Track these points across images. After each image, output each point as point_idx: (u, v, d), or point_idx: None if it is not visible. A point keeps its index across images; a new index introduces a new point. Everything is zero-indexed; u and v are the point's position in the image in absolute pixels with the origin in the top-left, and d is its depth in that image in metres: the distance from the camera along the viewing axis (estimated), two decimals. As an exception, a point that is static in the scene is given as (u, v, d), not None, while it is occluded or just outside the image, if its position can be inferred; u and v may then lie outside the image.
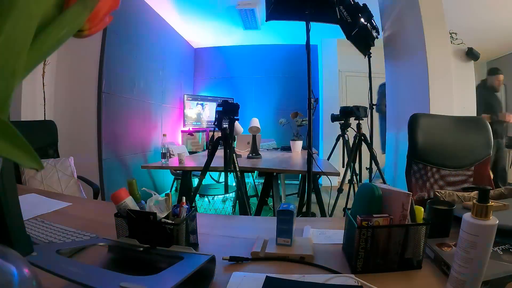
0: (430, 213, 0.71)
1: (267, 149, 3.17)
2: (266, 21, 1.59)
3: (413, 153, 1.22)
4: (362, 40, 2.40)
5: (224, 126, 1.72)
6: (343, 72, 4.79)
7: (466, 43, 3.51)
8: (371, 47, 2.58)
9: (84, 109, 2.65)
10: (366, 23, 2.21)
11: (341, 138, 2.88)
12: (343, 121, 2.73)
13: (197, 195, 3.74)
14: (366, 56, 2.67)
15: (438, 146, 1.24)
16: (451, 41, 3.34)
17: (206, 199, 3.89)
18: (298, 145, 3.02)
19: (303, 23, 1.59)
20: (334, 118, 2.89)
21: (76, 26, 0.24)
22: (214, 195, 3.83)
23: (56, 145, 2.01)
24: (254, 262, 0.62)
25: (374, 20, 2.33)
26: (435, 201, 0.76)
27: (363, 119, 2.50)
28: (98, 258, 0.60)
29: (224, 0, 3.54)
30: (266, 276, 0.55)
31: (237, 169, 1.76)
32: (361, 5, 2.11)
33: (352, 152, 2.45)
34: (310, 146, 1.60)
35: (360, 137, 2.37)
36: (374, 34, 2.39)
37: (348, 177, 2.57)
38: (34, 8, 0.20)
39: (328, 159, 2.88)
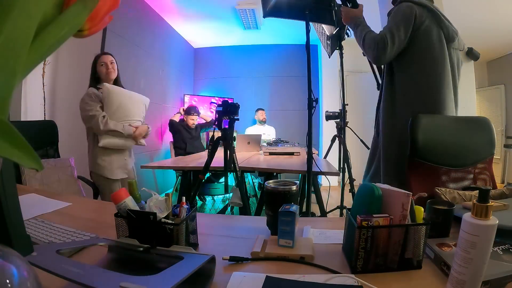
0: (430, 213, 0.71)
1: (267, 143, 3.12)
2: (264, 17, 1.60)
3: (414, 152, 1.22)
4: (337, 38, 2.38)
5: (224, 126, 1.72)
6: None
7: (466, 43, 3.51)
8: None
9: (84, 109, 2.64)
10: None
11: (337, 138, 2.86)
12: (339, 120, 2.73)
13: (202, 195, 3.75)
14: (336, 55, 2.68)
15: (440, 145, 1.24)
16: (451, 41, 3.34)
17: (207, 199, 3.88)
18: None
19: (303, 23, 1.59)
20: (329, 117, 2.87)
21: (76, 26, 0.24)
22: (214, 195, 3.83)
23: (57, 145, 2.01)
24: (254, 262, 0.62)
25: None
26: (435, 201, 0.76)
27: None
28: (98, 258, 0.60)
29: (224, 0, 3.54)
30: (266, 276, 0.55)
31: (237, 169, 1.76)
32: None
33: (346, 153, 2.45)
34: (310, 146, 1.60)
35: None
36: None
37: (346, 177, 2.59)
38: (34, 8, 0.20)
39: (325, 158, 2.89)
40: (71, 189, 1.82)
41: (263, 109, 4.61)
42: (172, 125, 3.75)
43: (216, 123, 1.72)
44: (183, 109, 4.03)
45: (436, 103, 1.33)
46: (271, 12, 1.58)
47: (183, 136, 3.68)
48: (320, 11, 1.61)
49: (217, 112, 1.72)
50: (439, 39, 1.34)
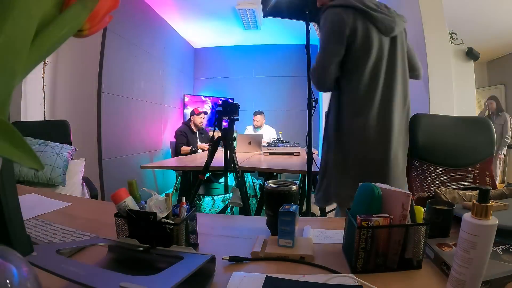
0: (430, 213, 0.71)
1: (268, 144, 3.12)
2: (264, 17, 1.60)
3: (415, 152, 1.22)
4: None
5: (224, 126, 1.72)
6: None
7: (466, 43, 3.50)
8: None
9: (84, 109, 2.65)
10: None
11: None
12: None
13: (200, 195, 3.75)
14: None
15: (440, 146, 1.24)
16: (451, 41, 3.34)
17: (207, 199, 3.89)
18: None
19: (303, 23, 1.59)
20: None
21: (76, 26, 0.24)
22: (215, 195, 3.83)
23: (70, 145, 1.99)
24: (254, 262, 0.62)
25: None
26: (435, 201, 0.76)
27: None
28: (98, 258, 0.59)
29: (224, 0, 3.55)
30: (266, 276, 0.55)
31: (237, 169, 1.76)
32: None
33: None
34: (310, 146, 1.60)
35: None
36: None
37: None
38: (34, 8, 0.20)
39: None
40: (76, 190, 1.82)
41: (261, 113, 4.27)
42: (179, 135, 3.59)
43: (216, 123, 1.72)
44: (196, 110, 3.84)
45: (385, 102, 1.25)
46: (271, 12, 1.58)
47: (190, 142, 3.64)
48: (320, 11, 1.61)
49: (217, 112, 1.72)
50: (378, 39, 1.23)
